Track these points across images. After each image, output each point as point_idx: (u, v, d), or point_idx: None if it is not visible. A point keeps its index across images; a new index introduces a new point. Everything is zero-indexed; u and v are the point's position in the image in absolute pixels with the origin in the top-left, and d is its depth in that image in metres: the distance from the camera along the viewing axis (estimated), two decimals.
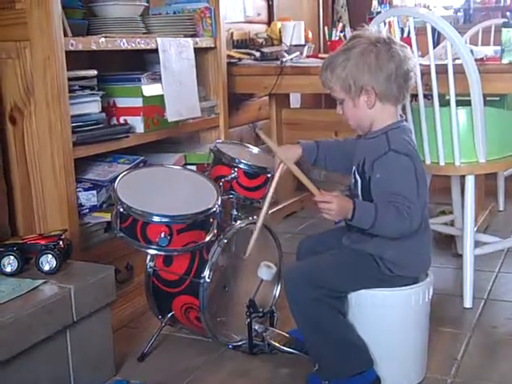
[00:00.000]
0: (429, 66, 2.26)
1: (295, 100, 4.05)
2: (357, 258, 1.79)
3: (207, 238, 1.93)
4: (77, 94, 2.21)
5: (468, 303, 2.34)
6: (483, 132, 2.29)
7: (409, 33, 2.42)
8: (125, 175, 2.00)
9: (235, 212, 2.13)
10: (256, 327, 2.02)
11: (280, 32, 3.63)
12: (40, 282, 1.75)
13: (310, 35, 3.83)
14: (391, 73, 1.71)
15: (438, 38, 2.85)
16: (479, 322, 2.25)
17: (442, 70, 2.25)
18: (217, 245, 1.98)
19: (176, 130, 2.64)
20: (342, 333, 1.77)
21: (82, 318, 1.77)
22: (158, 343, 2.12)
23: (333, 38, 3.46)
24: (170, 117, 2.51)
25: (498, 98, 3.00)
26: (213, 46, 2.86)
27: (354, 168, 1.81)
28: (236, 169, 2.12)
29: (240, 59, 3.24)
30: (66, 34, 2.09)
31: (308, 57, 3.38)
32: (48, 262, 1.82)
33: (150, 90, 2.48)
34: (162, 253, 1.93)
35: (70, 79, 2.12)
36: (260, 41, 3.64)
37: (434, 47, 2.38)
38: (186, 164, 2.65)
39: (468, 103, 2.28)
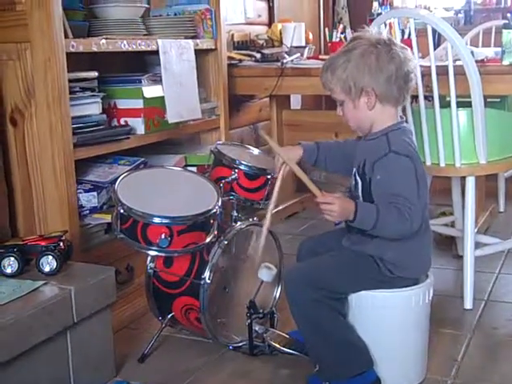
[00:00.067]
0: (429, 67, 2.26)
1: (296, 101, 4.05)
2: (357, 259, 1.79)
3: (207, 240, 1.93)
4: (77, 95, 2.22)
5: (468, 304, 2.34)
6: (484, 133, 2.29)
7: (409, 34, 2.42)
8: (125, 176, 2.00)
9: (235, 213, 2.13)
10: (256, 328, 2.02)
11: (280, 33, 3.63)
12: (40, 283, 1.75)
13: (311, 36, 3.83)
14: (391, 74, 1.71)
15: (438, 40, 2.85)
16: (479, 323, 2.25)
17: (442, 71, 2.26)
18: (217, 246, 1.98)
19: (176, 131, 2.64)
20: (343, 334, 1.77)
21: (82, 319, 1.78)
22: (158, 344, 2.12)
23: (333, 40, 3.46)
24: (171, 118, 2.51)
25: (498, 100, 3.01)
26: (213, 47, 2.86)
27: (354, 169, 1.81)
28: (236, 170, 2.12)
29: (240, 61, 3.24)
30: (66, 36, 2.09)
31: (308, 58, 3.39)
32: (48, 263, 1.82)
33: (151, 91, 2.48)
34: (163, 254, 1.93)
35: (70, 81, 2.12)
36: (260, 42, 3.64)
37: (435, 49, 2.38)
38: (186, 165, 2.65)
39: (468, 104, 2.28)
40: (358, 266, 1.78)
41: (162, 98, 2.48)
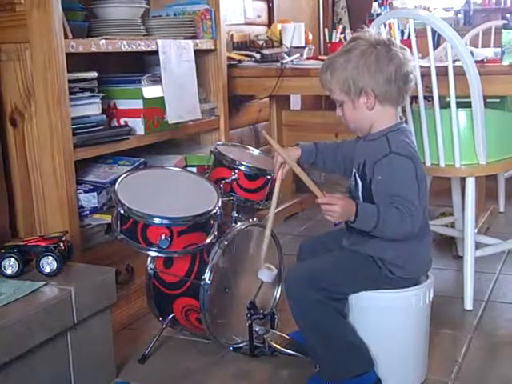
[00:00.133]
0: (429, 67, 2.26)
1: (295, 102, 4.05)
2: (357, 259, 1.79)
3: (208, 240, 1.93)
4: (77, 96, 2.22)
5: (469, 305, 2.34)
6: (483, 134, 2.29)
7: (409, 35, 2.42)
8: (125, 177, 2.00)
9: (235, 214, 2.13)
10: (257, 329, 2.02)
11: (280, 34, 3.63)
12: (41, 283, 1.75)
13: (310, 37, 3.83)
14: (391, 75, 1.71)
15: (438, 40, 2.85)
16: (480, 323, 2.25)
17: (442, 71, 2.26)
18: (217, 247, 1.98)
19: (176, 131, 2.64)
20: (343, 334, 1.77)
21: (82, 319, 1.77)
22: (158, 345, 2.12)
23: (333, 40, 3.47)
24: (171, 119, 2.51)
25: (498, 100, 3.01)
26: (213, 47, 2.86)
27: (354, 170, 1.81)
28: (236, 171, 2.12)
29: (240, 61, 3.24)
30: (66, 36, 2.09)
31: (308, 59, 3.39)
32: (49, 263, 1.82)
33: (151, 91, 2.48)
34: (163, 255, 1.93)
35: (70, 81, 2.12)
36: (260, 43, 3.64)
37: (434, 49, 2.38)
38: (186, 166, 2.65)
39: (468, 105, 2.28)
40: (358, 267, 1.78)
41: (162, 98, 2.48)
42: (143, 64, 2.74)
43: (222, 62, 2.92)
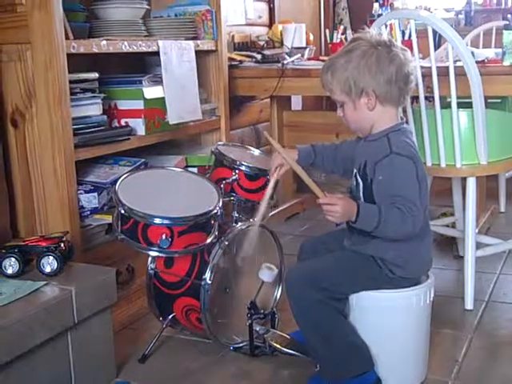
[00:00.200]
0: (430, 68, 2.26)
1: (296, 102, 4.06)
2: (358, 259, 1.79)
3: (208, 240, 1.93)
4: (78, 96, 2.22)
5: (469, 305, 2.34)
6: (484, 134, 2.29)
7: (410, 35, 2.42)
8: (126, 177, 2.00)
9: (236, 214, 2.13)
10: (257, 329, 2.02)
11: (281, 34, 3.63)
12: (41, 283, 1.75)
13: (311, 37, 3.84)
14: (392, 75, 1.71)
15: (439, 41, 2.86)
16: (480, 323, 2.25)
17: (443, 72, 2.26)
18: (218, 247, 1.98)
19: (177, 132, 2.64)
20: (343, 334, 1.77)
21: (83, 319, 1.78)
22: (159, 345, 2.12)
23: (334, 41, 3.47)
24: (171, 119, 2.51)
25: (499, 100, 3.02)
26: (214, 48, 2.86)
27: (355, 170, 1.81)
28: (237, 171, 2.12)
29: (241, 62, 3.25)
30: (67, 37, 2.10)
31: (309, 59, 3.39)
32: (49, 263, 1.82)
33: (151, 92, 2.48)
34: (163, 255, 1.93)
35: (71, 82, 2.12)
36: (261, 43, 3.65)
37: (435, 49, 2.38)
38: (187, 166, 2.65)
39: (469, 105, 2.28)
40: (358, 267, 1.79)
41: (163, 98, 2.48)
42: (144, 65, 2.74)
43: (223, 63, 2.92)
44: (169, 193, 2.01)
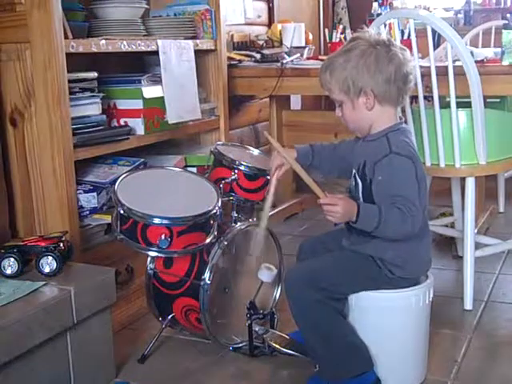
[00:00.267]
0: (429, 67, 2.26)
1: (295, 102, 4.06)
2: (357, 259, 1.79)
3: (207, 240, 1.93)
4: (77, 96, 2.22)
5: (468, 305, 2.34)
6: (483, 134, 2.29)
7: (409, 35, 2.42)
8: (125, 177, 2.00)
9: (235, 214, 2.13)
10: (256, 329, 2.02)
11: (280, 34, 3.63)
12: (40, 283, 1.75)
13: (311, 37, 3.83)
14: (390, 75, 1.71)
15: (438, 40, 2.86)
16: (479, 323, 2.25)
17: (442, 71, 2.26)
18: (217, 247, 1.98)
19: (176, 131, 2.64)
20: (343, 334, 1.77)
21: (82, 319, 1.77)
22: (158, 345, 2.12)
23: (333, 40, 3.47)
24: (171, 119, 2.51)
25: (498, 100, 3.01)
26: (213, 48, 2.86)
27: (354, 171, 1.81)
28: (236, 171, 2.12)
29: (240, 61, 3.24)
30: (66, 36, 2.09)
31: (308, 59, 3.39)
32: (48, 263, 1.82)
33: (151, 92, 2.48)
34: (163, 255, 1.93)
35: (70, 81, 2.12)
36: (260, 43, 3.65)
37: (435, 49, 2.38)
38: (186, 166, 2.65)
39: (468, 105, 2.28)
40: (358, 267, 1.78)
41: (162, 98, 2.48)
42: (143, 64, 2.74)
43: (222, 62, 2.92)
44: (168, 193, 2.01)
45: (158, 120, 2.51)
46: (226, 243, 1.99)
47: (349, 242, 1.84)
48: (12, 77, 2.10)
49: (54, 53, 2.02)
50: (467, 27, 4.29)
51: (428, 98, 2.43)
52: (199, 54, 2.76)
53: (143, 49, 2.43)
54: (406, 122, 1.87)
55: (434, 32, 2.27)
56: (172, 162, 2.59)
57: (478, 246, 2.44)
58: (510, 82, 2.52)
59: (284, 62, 3.12)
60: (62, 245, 1.88)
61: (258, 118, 3.79)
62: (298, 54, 3.31)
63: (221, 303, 2.03)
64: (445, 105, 2.33)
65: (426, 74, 2.30)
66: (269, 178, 2.12)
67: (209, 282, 1.95)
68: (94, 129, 2.27)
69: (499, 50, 2.60)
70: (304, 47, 3.53)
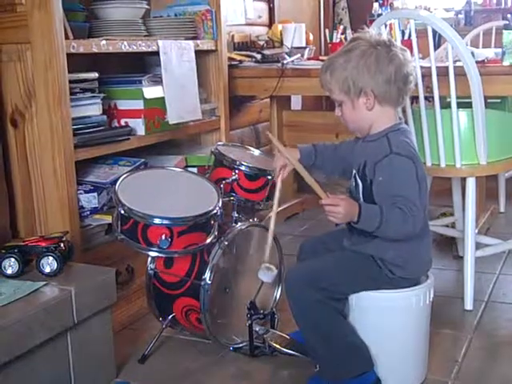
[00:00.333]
0: (430, 68, 2.26)
1: (296, 102, 4.06)
2: (358, 259, 1.79)
3: (208, 240, 1.93)
4: (78, 96, 2.22)
5: (469, 305, 2.34)
6: (484, 134, 2.29)
7: (410, 35, 2.42)
8: (126, 177, 2.00)
9: (236, 214, 2.13)
10: (257, 329, 2.02)
11: (281, 34, 3.63)
12: (41, 284, 1.75)
13: (311, 37, 3.84)
14: (391, 75, 1.71)
15: (438, 41, 2.85)
16: (480, 324, 2.25)
17: (442, 72, 2.26)
18: (218, 247, 1.98)
19: (177, 132, 2.64)
20: (343, 334, 1.77)
21: (82, 319, 1.78)
22: (158, 345, 2.12)
23: (333, 41, 3.47)
24: (171, 119, 2.51)
25: (499, 100, 3.02)
26: (214, 48, 2.86)
27: (354, 171, 1.81)
28: (237, 171, 2.12)
29: (241, 61, 3.24)
30: (67, 37, 2.10)
31: (309, 59, 3.39)
32: (49, 264, 1.82)
33: (151, 92, 2.48)
34: (163, 255, 1.93)
35: (71, 82, 2.12)
36: (261, 43, 3.65)
37: (435, 49, 2.38)
38: (186, 166, 2.65)
39: (469, 105, 2.28)
40: (358, 267, 1.78)
41: (163, 98, 2.48)
42: (144, 64, 2.74)
43: (223, 63, 2.92)
44: (168, 193, 2.01)
45: (158, 120, 2.51)
46: (226, 243, 1.99)
47: (350, 242, 1.84)
48: (13, 77, 2.10)
49: (55, 53, 2.02)
50: (468, 28, 4.29)
51: (429, 99, 2.43)
52: (200, 54, 2.76)
53: (144, 49, 2.43)
54: (406, 123, 1.88)
55: (434, 32, 2.27)
56: (172, 163, 2.59)
57: (478, 246, 2.44)
58: (511, 83, 2.51)
59: (284, 62, 3.12)
60: (62, 245, 1.88)
61: (258, 119, 3.79)
62: (299, 55, 3.31)
63: (221, 303, 2.03)
64: (445, 105, 2.33)
65: (426, 74, 2.30)
66: (269, 178, 2.12)
67: (209, 282, 1.95)
68: (95, 129, 2.27)
69: (500, 50, 2.61)
70: (304, 47, 3.53)
